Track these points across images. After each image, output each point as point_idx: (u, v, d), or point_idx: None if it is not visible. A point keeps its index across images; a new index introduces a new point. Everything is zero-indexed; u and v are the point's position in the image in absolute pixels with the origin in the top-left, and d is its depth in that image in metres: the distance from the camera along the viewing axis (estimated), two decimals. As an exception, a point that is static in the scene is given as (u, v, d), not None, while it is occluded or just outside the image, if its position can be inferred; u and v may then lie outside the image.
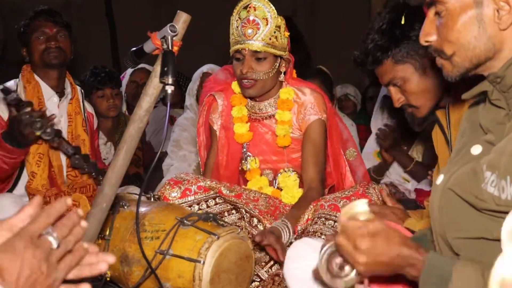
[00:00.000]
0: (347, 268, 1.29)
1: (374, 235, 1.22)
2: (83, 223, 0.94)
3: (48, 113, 2.72)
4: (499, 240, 1.18)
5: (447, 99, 1.95)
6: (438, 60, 1.34)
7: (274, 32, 2.29)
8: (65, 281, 0.93)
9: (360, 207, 1.27)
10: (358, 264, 1.23)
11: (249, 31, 2.27)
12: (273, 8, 2.31)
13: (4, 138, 2.42)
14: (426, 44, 1.36)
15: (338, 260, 1.30)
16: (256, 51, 2.28)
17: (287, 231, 2.07)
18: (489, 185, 1.18)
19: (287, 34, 2.35)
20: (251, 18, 2.28)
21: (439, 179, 1.35)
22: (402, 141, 3.39)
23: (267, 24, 2.28)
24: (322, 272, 1.31)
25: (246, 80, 2.31)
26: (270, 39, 2.28)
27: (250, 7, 2.29)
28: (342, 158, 2.57)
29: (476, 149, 1.28)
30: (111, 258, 0.99)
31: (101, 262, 0.98)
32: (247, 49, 2.28)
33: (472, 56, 1.26)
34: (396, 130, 3.33)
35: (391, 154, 3.36)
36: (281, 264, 1.97)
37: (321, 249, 1.33)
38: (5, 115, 2.55)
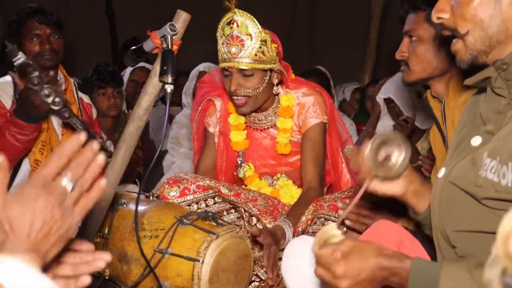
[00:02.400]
0: (392, 159, 1.36)
1: (347, 255, 1.20)
2: (100, 158, 0.88)
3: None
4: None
5: (439, 88, 1.96)
6: (453, 46, 1.33)
7: (260, 47, 2.24)
8: (64, 276, 0.92)
9: (330, 231, 1.28)
10: None
11: (233, 49, 2.22)
12: (256, 22, 2.23)
13: (16, 114, 2.39)
14: (437, 21, 1.35)
15: (386, 150, 1.37)
16: (242, 69, 2.25)
17: (289, 229, 2.08)
18: (489, 172, 1.18)
19: (274, 46, 2.29)
20: (234, 34, 2.22)
21: (441, 172, 1.35)
22: (415, 138, 3.40)
23: (251, 40, 2.22)
24: (370, 155, 1.37)
25: (236, 98, 2.29)
26: (256, 55, 2.23)
27: (232, 23, 2.23)
28: (339, 156, 2.58)
29: (476, 141, 1.29)
30: (107, 256, 0.97)
31: (98, 260, 0.96)
32: (233, 67, 2.24)
33: (484, 36, 1.26)
34: (413, 124, 3.35)
35: None
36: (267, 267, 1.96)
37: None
38: (9, 104, 2.54)
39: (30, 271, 0.76)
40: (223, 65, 2.27)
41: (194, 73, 4.03)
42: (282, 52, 2.37)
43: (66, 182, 0.84)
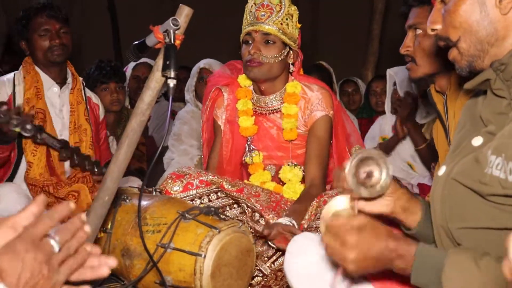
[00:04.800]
0: (374, 178, 1.29)
1: (360, 229, 1.21)
2: (87, 228, 0.94)
3: (48, 103, 2.73)
4: (503, 229, 1.19)
5: (443, 82, 1.96)
6: (450, 54, 1.35)
7: (286, 19, 2.34)
8: (66, 283, 0.93)
9: (340, 204, 1.28)
10: (347, 262, 1.21)
11: (262, 13, 2.33)
12: None
13: None
14: (432, 33, 1.39)
15: (367, 168, 1.30)
16: (266, 34, 2.31)
17: (294, 225, 2.07)
18: (494, 169, 1.18)
19: (299, 25, 2.39)
20: (265, 2, 2.34)
21: (441, 170, 1.35)
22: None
23: (280, 10, 2.33)
24: (349, 176, 1.29)
25: (252, 62, 2.33)
26: (281, 24, 2.33)
27: None
28: (347, 155, 2.56)
29: (477, 141, 1.29)
30: (112, 262, 0.99)
31: (102, 266, 0.98)
32: (258, 30, 2.31)
33: (476, 41, 1.27)
34: (416, 101, 3.31)
35: (406, 127, 3.28)
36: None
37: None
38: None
39: None
40: (248, 29, 2.34)
41: (195, 70, 4.03)
42: (300, 41, 2.43)
43: (53, 242, 0.89)
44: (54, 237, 0.89)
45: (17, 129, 2.33)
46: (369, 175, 1.30)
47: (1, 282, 0.82)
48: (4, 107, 2.31)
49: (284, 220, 2.09)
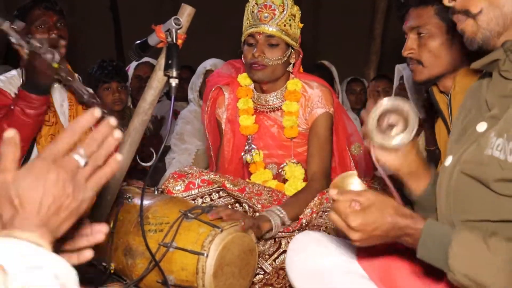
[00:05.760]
0: (395, 130, 1.29)
1: (366, 208, 1.20)
2: (116, 133, 0.85)
3: (53, 97, 2.72)
4: (506, 221, 1.17)
5: (448, 83, 1.94)
6: (460, 24, 1.29)
7: (289, 20, 2.33)
8: (65, 251, 0.90)
9: (350, 178, 1.27)
10: (352, 241, 1.22)
11: (265, 15, 2.30)
12: None
13: (23, 88, 2.39)
14: (449, 4, 1.31)
15: (392, 119, 1.30)
16: (270, 36, 2.30)
17: (277, 215, 2.06)
18: (494, 150, 1.17)
19: (300, 25, 2.39)
20: (268, 3, 2.32)
21: (448, 160, 1.33)
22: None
23: (283, 11, 2.32)
24: (371, 119, 1.29)
25: (256, 65, 2.33)
26: (284, 25, 2.32)
27: None
28: (347, 154, 2.56)
29: (482, 126, 1.26)
30: (105, 228, 0.93)
31: (97, 233, 0.92)
32: (261, 32, 2.30)
33: (498, 15, 1.23)
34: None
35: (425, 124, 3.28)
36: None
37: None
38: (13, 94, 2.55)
39: (37, 249, 0.75)
40: (250, 30, 2.32)
41: (201, 70, 4.02)
42: (300, 39, 2.43)
43: (78, 157, 0.81)
44: (78, 150, 0.81)
45: (56, 64, 2.12)
46: (390, 127, 1.30)
47: (21, 211, 0.75)
48: (39, 36, 2.14)
49: (276, 210, 2.08)
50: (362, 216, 1.19)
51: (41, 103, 2.35)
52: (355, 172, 1.30)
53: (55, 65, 2.09)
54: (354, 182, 1.29)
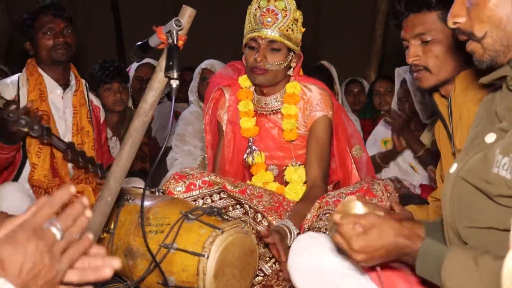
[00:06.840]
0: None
1: (367, 230, 1.27)
2: (88, 213, 0.91)
3: (51, 105, 2.73)
4: (508, 230, 1.18)
5: (450, 87, 1.93)
6: (469, 45, 1.30)
7: (291, 25, 2.32)
8: (70, 284, 0.92)
9: (352, 202, 1.35)
10: (355, 261, 1.30)
11: (268, 19, 2.30)
12: (293, 0, 2.35)
13: None
14: (454, 26, 1.32)
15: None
16: (272, 41, 2.30)
17: (292, 233, 2.07)
18: (501, 169, 1.18)
19: (303, 29, 2.38)
20: (271, 8, 2.31)
21: (453, 167, 1.34)
22: (414, 128, 3.37)
23: (285, 16, 2.31)
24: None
25: (258, 69, 2.33)
26: (287, 30, 2.31)
27: None
28: (348, 156, 2.56)
29: (490, 137, 1.27)
30: (116, 263, 0.97)
31: (106, 267, 0.96)
32: (263, 37, 2.30)
33: (502, 36, 1.24)
34: (408, 112, 3.31)
35: (403, 137, 3.29)
36: (282, 263, 1.98)
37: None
38: None
39: None
40: (252, 34, 2.32)
41: (197, 70, 4.04)
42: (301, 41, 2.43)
43: (55, 230, 0.87)
44: (55, 224, 0.87)
45: (25, 129, 2.34)
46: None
47: (3, 273, 0.81)
48: (13, 106, 2.32)
49: (287, 223, 2.08)
50: (364, 238, 1.27)
51: (11, 150, 2.54)
52: (354, 197, 1.39)
53: (25, 129, 2.34)
54: (357, 206, 1.36)
